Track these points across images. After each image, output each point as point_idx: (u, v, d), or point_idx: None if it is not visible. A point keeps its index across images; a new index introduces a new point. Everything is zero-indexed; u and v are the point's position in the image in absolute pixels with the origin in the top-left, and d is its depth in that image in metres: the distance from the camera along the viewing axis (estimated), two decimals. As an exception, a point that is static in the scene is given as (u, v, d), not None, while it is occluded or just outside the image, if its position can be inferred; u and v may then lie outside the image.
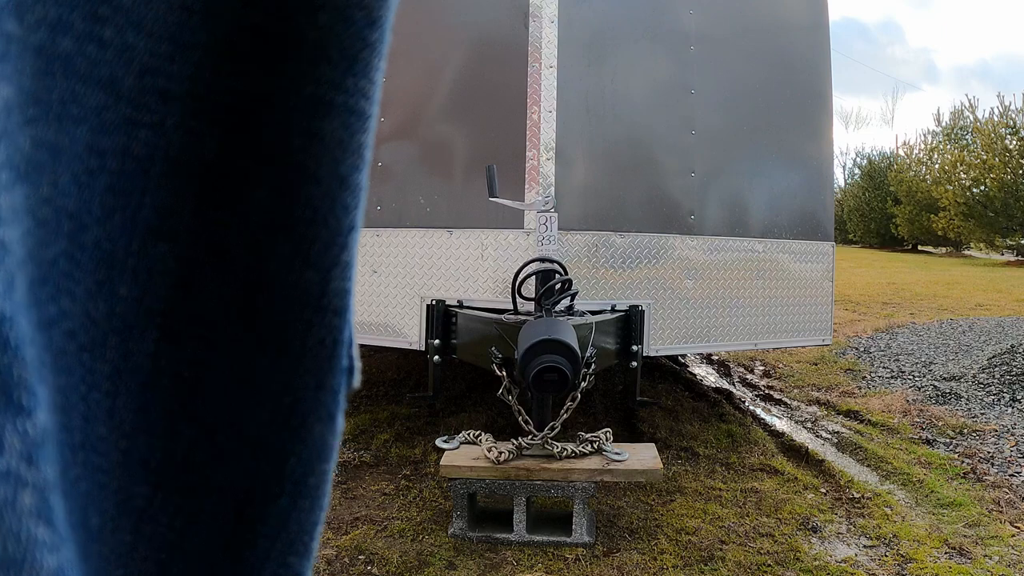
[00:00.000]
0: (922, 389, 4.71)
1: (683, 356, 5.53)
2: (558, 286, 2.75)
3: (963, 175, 20.28)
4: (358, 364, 0.24)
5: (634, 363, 3.06)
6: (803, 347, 5.36)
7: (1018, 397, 4.37)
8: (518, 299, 2.78)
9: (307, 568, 0.24)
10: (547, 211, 2.90)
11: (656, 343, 3.29)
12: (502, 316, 2.76)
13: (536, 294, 2.76)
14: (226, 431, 0.22)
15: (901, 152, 26.03)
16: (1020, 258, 19.56)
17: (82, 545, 0.19)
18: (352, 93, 0.22)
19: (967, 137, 22.91)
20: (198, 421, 0.21)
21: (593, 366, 2.64)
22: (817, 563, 2.48)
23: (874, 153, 32.23)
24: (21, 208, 0.18)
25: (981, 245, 21.64)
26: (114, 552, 0.21)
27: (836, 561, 2.51)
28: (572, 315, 2.83)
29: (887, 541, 2.67)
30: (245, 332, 0.22)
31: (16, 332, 0.16)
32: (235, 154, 0.21)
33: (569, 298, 2.82)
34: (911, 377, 5.09)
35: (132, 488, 0.21)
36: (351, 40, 0.21)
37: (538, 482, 2.58)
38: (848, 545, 2.65)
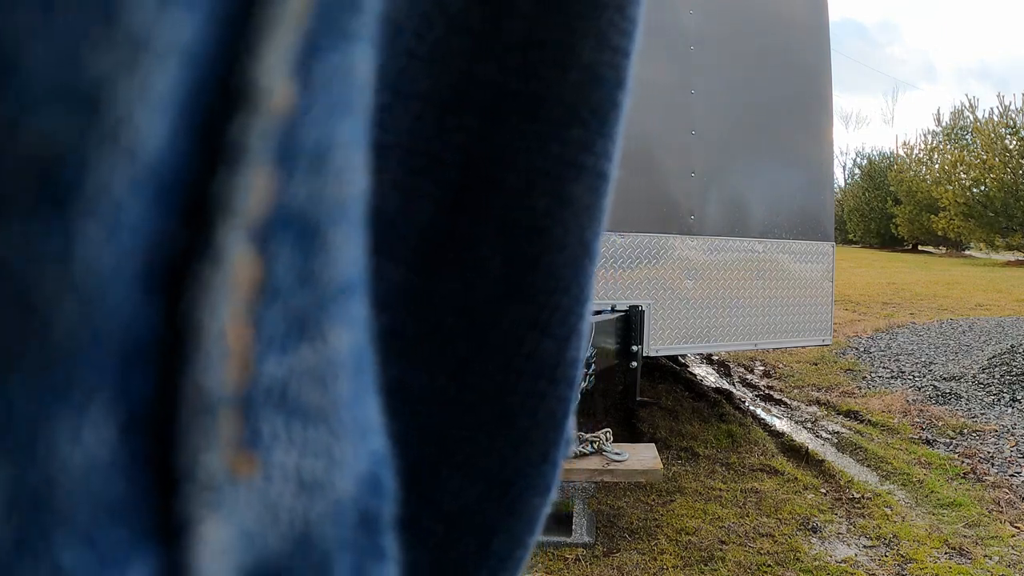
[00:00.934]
0: (922, 389, 4.71)
1: (683, 356, 5.54)
2: (558, 286, 2.75)
3: (963, 175, 20.29)
4: (574, 433, 0.23)
5: (634, 363, 3.06)
6: (803, 347, 5.36)
7: (1018, 397, 4.37)
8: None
9: None
10: (547, 211, 2.90)
11: (656, 343, 3.29)
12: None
13: (536, 294, 2.75)
14: (442, 507, 0.20)
15: (901, 152, 26.05)
16: (1020, 258, 19.57)
17: None
18: (600, 155, 0.21)
19: (967, 137, 22.92)
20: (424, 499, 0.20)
21: (593, 366, 2.64)
22: (817, 563, 2.48)
23: (874, 153, 32.26)
24: None
25: (981, 245, 21.65)
26: None
27: (836, 561, 2.51)
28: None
29: (887, 541, 2.67)
30: (479, 404, 0.20)
31: (388, 470, 0.14)
32: (464, 217, 0.19)
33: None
34: (911, 377, 5.09)
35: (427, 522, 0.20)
36: (601, 100, 0.20)
37: (538, 482, 2.58)
38: (848, 545, 2.65)
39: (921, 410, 4.26)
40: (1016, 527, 2.78)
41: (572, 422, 0.22)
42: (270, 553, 0.11)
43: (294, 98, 0.10)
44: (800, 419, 4.26)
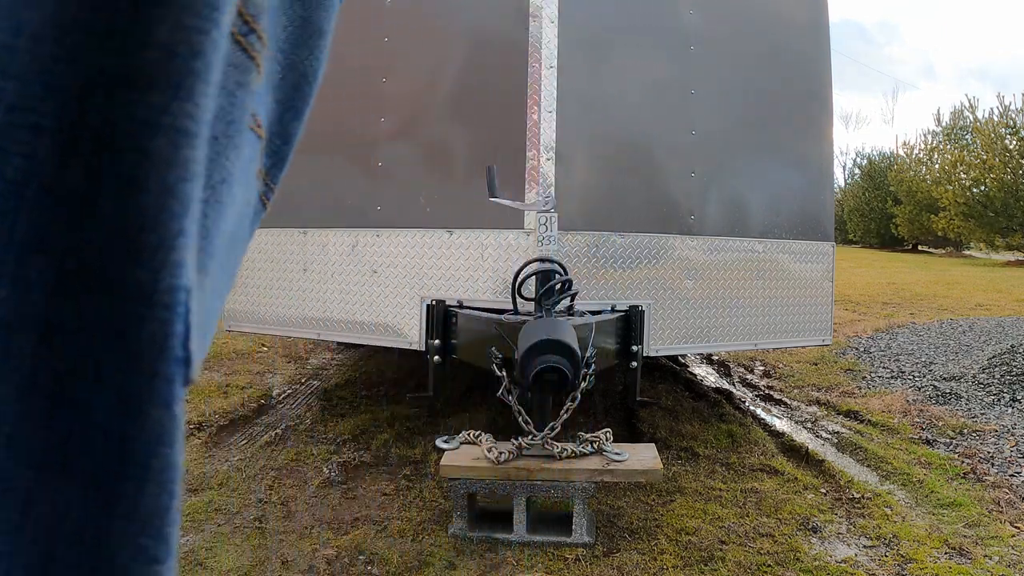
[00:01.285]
0: (922, 389, 4.71)
1: (683, 356, 5.53)
2: (558, 286, 2.75)
3: (963, 175, 20.28)
4: (197, 356, 0.28)
5: (634, 363, 3.06)
6: (803, 347, 5.36)
7: (1018, 397, 4.37)
8: (518, 299, 2.78)
9: (164, 552, 0.27)
10: (547, 211, 2.90)
11: (656, 343, 3.29)
12: (502, 316, 2.76)
13: (536, 294, 2.76)
14: (84, 418, 0.25)
15: (901, 152, 26.04)
16: (1020, 258, 19.55)
17: None
18: (177, 114, 0.26)
19: (967, 137, 22.91)
20: (69, 410, 0.25)
21: (593, 366, 2.64)
22: (817, 563, 2.48)
23: (874, 153, 32.23)
24: None
25: (981, 245, 21.64)
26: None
27: (836, 561, 2.51)
28: (572, 315, 2.83)
29: (887, 541, 2.67)
30: (101, 331, 0.25)
31: None
32: (93, 177, 0.25)
33: (569, 298, 2.82)
34: (911, 377, 5.09)
35: (17, 471, 0.24)
36: (176, 70, 0.25)
37: (538, 482, 2.58)
38: (848, 545, 2.65)
39: (921, 410, 4.26)
40: (1016, 527, 2.78)
41: (192, 345, 0.27)
42: None
43: None
44: (800, 419, 4.25)
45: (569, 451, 2.64)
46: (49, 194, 0.24)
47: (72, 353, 0.25)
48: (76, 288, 0.25)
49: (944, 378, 4.90)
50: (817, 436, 3.93)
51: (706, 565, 2.46)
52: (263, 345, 5.71)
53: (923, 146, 24.73)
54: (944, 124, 24.80)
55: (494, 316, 2.80)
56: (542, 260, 2.81)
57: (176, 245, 0.26)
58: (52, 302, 0.24)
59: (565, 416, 2.65)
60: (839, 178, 33.38)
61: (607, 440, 2.70)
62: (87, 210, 0.25)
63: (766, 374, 5.41)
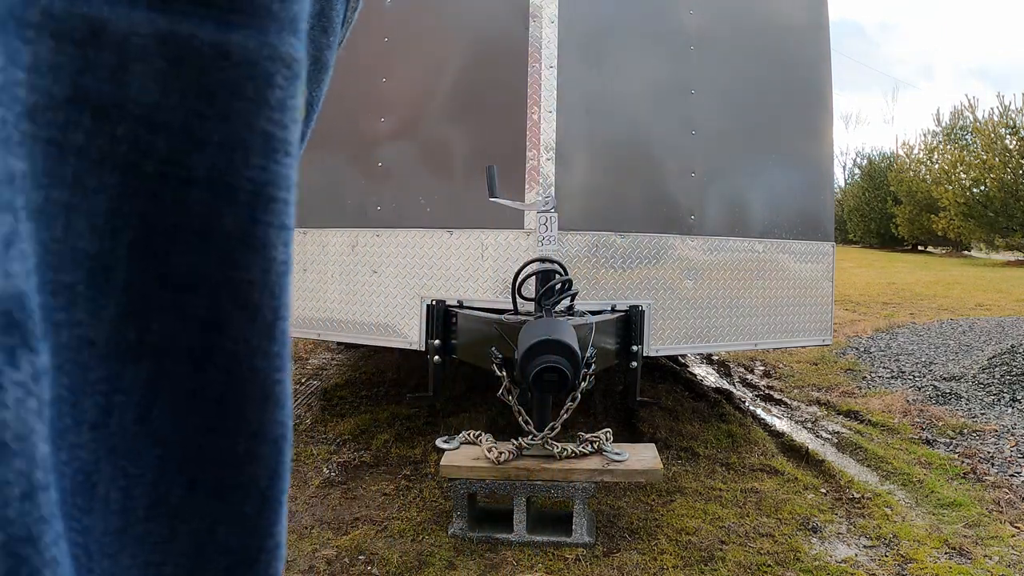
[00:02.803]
0: (922, 389, 4.71)
1: (683, 356, 5.53)
2: (558, 286, 2.75)
3: (963, 175, 20.28)
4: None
5: (634, 363, 3.06)
6: (803, 347, 5.36)
7: (1018, 397, 4.37)
8: (518, 299, 2.78)
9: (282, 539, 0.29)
10: (547, 211, 2.90)
11: (656, 343, 3.29)
12: (502, 316, 2.76)
13: (536, 294, 2.76)
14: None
15: (901, 152, 26.04)
16: (1020, 258, 19.56)
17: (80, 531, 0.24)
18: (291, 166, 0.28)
19: (967, 137, 22.91)
20: (225, 437, 0.26)
21: (593, 366, 2.64)
22: (817, 563, 2.48)
23: (874, 153, 32.23)
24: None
25: (981, 245, 21.64)
26: (142, 546, 0.25)
27: (836, 561, 2.51)
28: (572, 315, 2.83)
29: (887, 541, 2.67)
30: (255, 353, 0.27)
31: (32, 304, 0.21)
32: (252, 225, 0.26)
33: (569, 298, 2.82)
34: (911, 377, 5.09)
35: (167, 487, 0.26)
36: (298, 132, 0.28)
37: (538, 482, 2.58)
38: (848, 545, 2.65)
39: (921, 410, 4.25)
40: (1016, 527, 2.78)
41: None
42: None
43: None
44: (800, 419, 4.25)
45: (569, 451, 2.64)
46: (202, 238, 0.25)
47: (218, 381, 0.26)
48: (223, 323, 0.26)
49: (944, 378, 4.90)
50: (817, 436, 3.93)
51: (706, 565, 2.46)
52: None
53: (923, 146, 24.73)
54: (944, 124, 24.80)
55: (494, 316, 2.80)
56: (542, 260, 2.81)
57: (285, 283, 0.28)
58: (203, 336, 0.25)
59: (565, 416, 2.65)
60: (839, 178, 33.40)
61: (607, 440, 2.70)
62: (241, 253, 0.26)
63: (766, 374, 5.41)
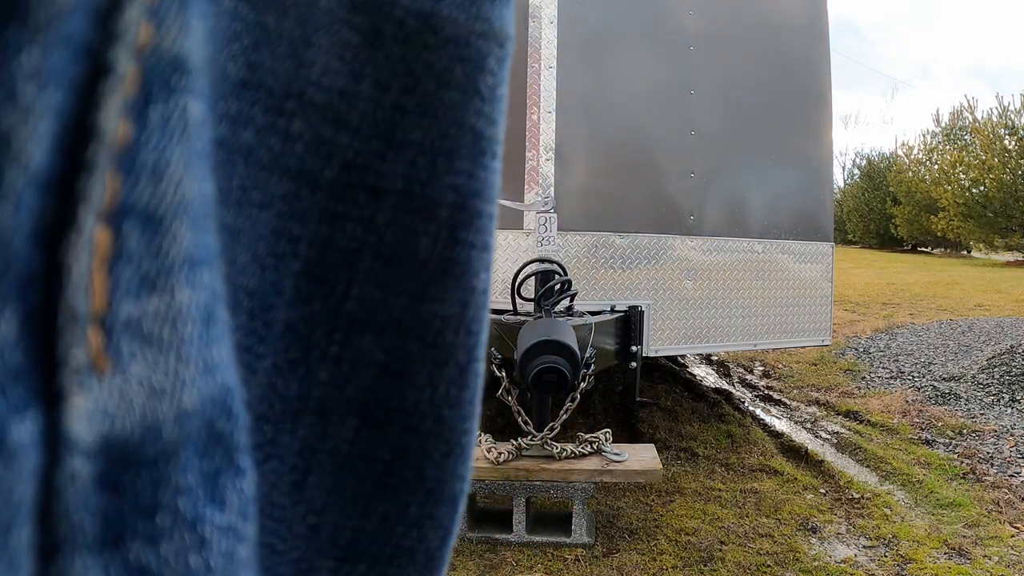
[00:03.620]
0: (921, 389, 4.72)
1: (682, 357, 5.54)
2: (557, 287, 2.75)
3: (962, 175, 20.29)
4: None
5: (633, 364, 3.06)
6: (802, 347, 5.36)
7: (1017, 397, 4.37)
8: (517, 300, 2.77)
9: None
10: (547, 211, 2.90)
11: (656, 343, 3.29)
12: (501, 317, 2.76)
13: (535, 295, 2.76)
14: (401, 504, 0.23)
15: (900, 152, 26.05)
16: (1020, 258, 19.57)
17: None
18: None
19: (966, 137, 22.92)
20: (393, 499, 0.22)
21: (592, 367, 2.64)
22: (817, 563, 2.48)
23: (873, 153, 32.26)
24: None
25: (980, 245, 21.65)
26: None
27: (836, 561, 2.51)
28: (571, 316, 2.83)
29: (887, 541, 2.67)
30: (426, 414, 0.22)
31: (238, 402, 0.17)
32: (452, 248, 0.21)
33: (568, 299, 2.82)
34: (910, 377, 5.09)
35: (317, 561, 0.22)
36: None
37: (538, 483, 2.58)
38: (848, 545, 2.65)
39: (921, 410, 4.26)
40: (1016, 527, 2.78)
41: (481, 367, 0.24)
42: (123, 431, 0.15)
43: (131, 132, 0.15)
44: (799, 419, 4.26)
45: (568, 451, 2.63)
46: (389, 265, 0.21)
47: (395, 436, 0.22)
48: (405, 369, 0.21)
49: (944, 378, 4.91)
50: (816, 436, 3.93)
51: (706, 565, 2.46)
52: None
53: (922, 146, 24.75)
54: (943, 124, 24.81)
55: (493, 316, 2.80)
56: (541, 260, 2.81)
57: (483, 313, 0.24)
58: (380, 384, 0.21)
59: (564, 416, 2.65)
60: (838, 178, 33.39)
61: (606, 440, 2.70)
62: (444, 286, 0.21)
63: (765, 374, 5.41)
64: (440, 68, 0.20)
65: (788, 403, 4.60)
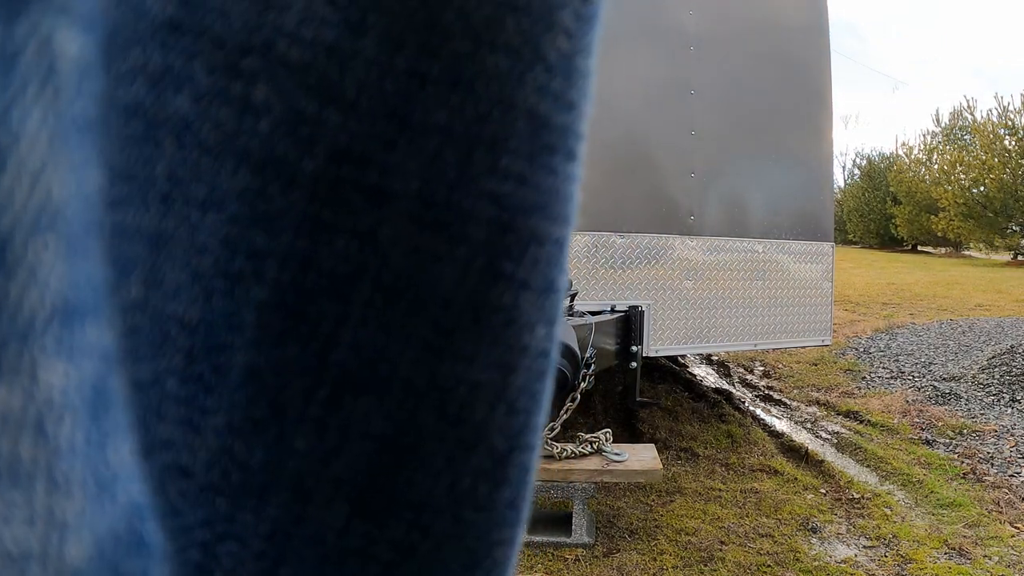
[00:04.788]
0: (922, 389, 4.71)
1: (683, 357, 5.53)
2: (558, 286, 2.74)
3: (962, 176, 20.29)
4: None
5: (634, 364, 3.06)
6: (803, 347, 5.36)
7: (1018, 397, 4.37)
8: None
9: None
10: (547, 211, 2.90)
11: (656, 344, 3.29)
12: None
13: (536, 294, 2.75)
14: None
15: (900, 152, 26.06)
16: (1020, 258, 19.57)
17: None
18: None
19: (966, 137, 22.92)
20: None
21: (593, 367, 2.64)
22: (817, 563, 2.48)
23: (874, 153, 32.27)
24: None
25: (980, 246, 21.65)
26: None
27: (836, 561, 2.51)
28: (572, 316, 2.83)
29: (887, 541, 2.67)
30: (459, 509, 0.16)
31: (150, 522, 0.12)
32: (489, 284, 0.15)
33: (568, 298, 2.82)
34: (911, 377, 5.09)
35: None
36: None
37: (538, 482, 2.57)
38: (848, 545, 2.65)
39: (921, 410, 4.26)
40: (1016, 527, 2.78)
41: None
42: None
43: None
44: (800, 419, 4.26)
45: (569, 451, 2.63)
46: (395, 300, 0.15)
47: (399, 534, 0.16)
48: (415, 448, 0.16)
49: (944, 378, 4.91)
50: (817, 436, 3.93)
51: (706, 565, 2.46)
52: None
53: (922, 146, 24.76)
54: (943, 124, 24.81)
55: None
56: (542, 260, 2.81)
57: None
58: (379, 464, 0.16)
59: (565, 416, 2.65)
60: (839, 178, 33.40)
61: (607, 440, 2.70)
62: (464, 333, 0.15)
63: (766, 374, 5.41)
64: (481, 18, 0.14)
65: (788, 403, 4.60)
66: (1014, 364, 4.88)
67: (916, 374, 5.17)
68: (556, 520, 2.69)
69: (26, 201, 0.09)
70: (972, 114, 22.17)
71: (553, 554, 2.52)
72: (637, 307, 3.15)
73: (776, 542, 2.63)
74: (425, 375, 0.15)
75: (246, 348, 0.14)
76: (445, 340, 0.15)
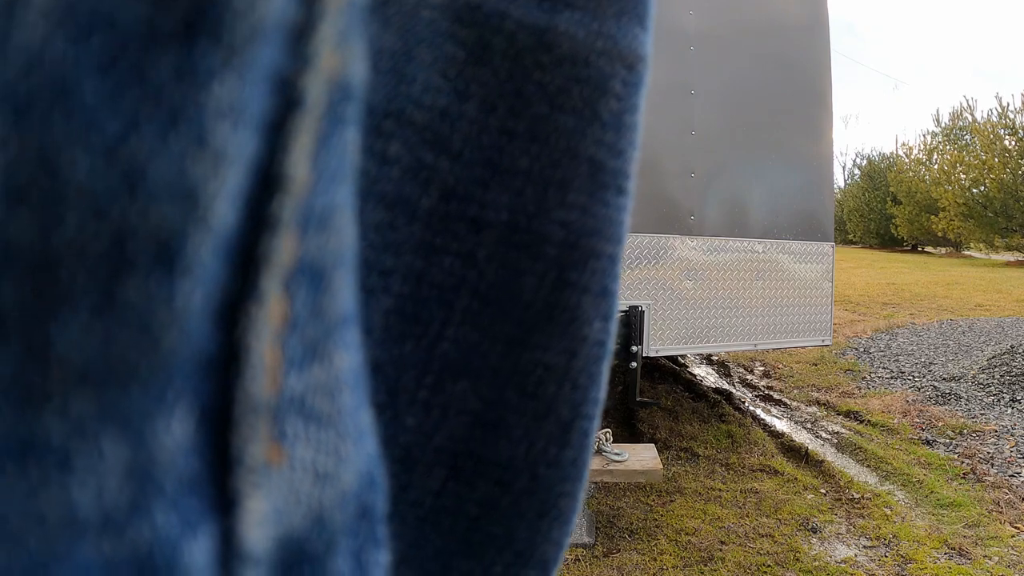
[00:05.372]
0: (922, 390, 4.71)
1: (683, 357, 5.53)
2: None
3: (962, 176, 20.29)
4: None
5: (634, 363, 3.06)
6: (803, 347, 5.36)
7: (1018, 397, 4.37)
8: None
9: None
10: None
11: (656, 343, 3.29)
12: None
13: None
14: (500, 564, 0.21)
15: (901, 152, 26.07)
16: (1020, 258, 19.57)
17: None
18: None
19: (966, 137, 22.92)
20: (478, 558, 0.20)
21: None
22: (817, 563, 2.48)
23: (874, 153, 32.27)
24: None
25: (980, 246, 21.65)
26: None
27: (836, 561, 2.51)
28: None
29: (887, 542, 2.67)
30: (518, 467, 0.20)
31: (380, 469, 0.16)
32: (560, 291, 0.19)
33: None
34: (911, 378, 5.09)
35: None
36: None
37: (538, 482, 2.58)
38: (848, 546, 2.65)
39: (921, 410, 4.26)
40: (1016, 527, 2.78)
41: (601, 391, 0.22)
42: (294, 529, 0.13)
43: (310, 179, 0.13)
44: (800, 419, 4.26)
45: (569, 451, 2.63)
46: (489, 306, 0.19)
47: (485, 491, 0.20)
48: (500, 420, 0.19)
49: (944, 378, 4.91)
50: (817, 436, 3.93)
51: (706, 565, 2.46)
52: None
53: (922, 146, 24.76)
54: (943, 124, 24.81)
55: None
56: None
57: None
58: (471, 435, 0.19)
59: (565, 416, 2.65)
60: (839, 178, 33.42)
61: (607, 440, 2.70)
62: (549, 332, 0.19)
63: (766, 374, 5.41)
64: (554, 89, 0.18)
65: (788, 403, 4.60)
66: (1014, 364, 4.88)
67: (916, 374, 5.17)
68: (556, 520, 2.69)
69: (336, 245, 0.13)
70: (972, 114, 22.17)
71: (553, 554, 2.52)
72: (637, 307, 3.15)
73: (776, 542, 2.63)
74: (511, 362, 0.19)
75: (374, 346, 0.18)
76: (526, 334, 0.19)
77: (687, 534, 2.67)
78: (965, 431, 3.90)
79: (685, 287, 3.39)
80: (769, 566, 2.46)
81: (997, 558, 2.53)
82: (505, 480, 0.20)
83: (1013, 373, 4.74)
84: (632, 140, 0.20)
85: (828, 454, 3.63)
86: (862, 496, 3.07)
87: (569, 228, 0.19)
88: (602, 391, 0.21)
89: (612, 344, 0.21)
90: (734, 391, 4.85)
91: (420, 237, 0.18)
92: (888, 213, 25.31)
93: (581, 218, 0.19)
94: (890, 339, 6.48)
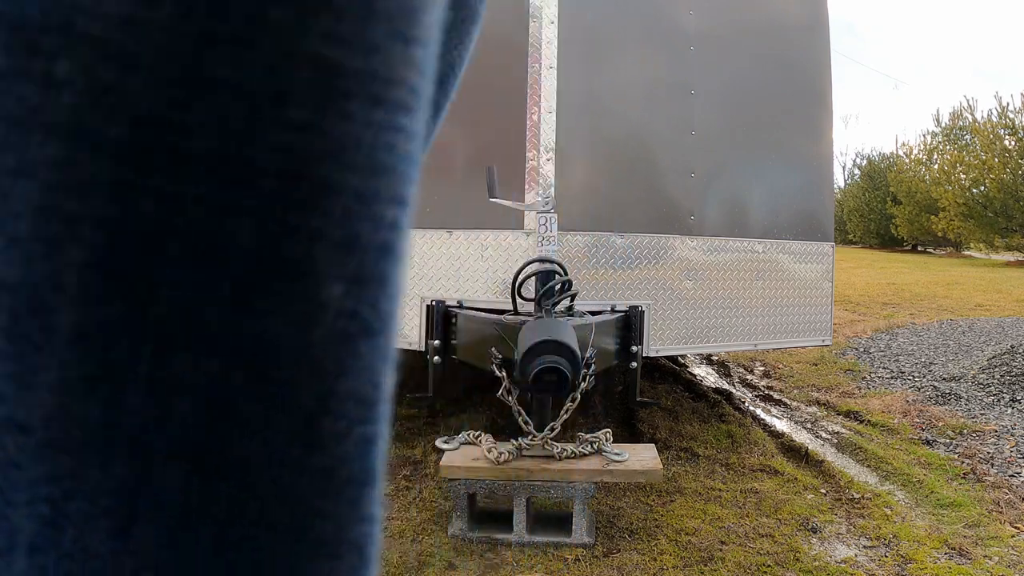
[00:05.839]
0: (922, 390, 4.71)
1: (683, 357, 5.53)
2: (558, 287, 2.74)
3: (962, 176, 20.29)
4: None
5: (634, 364, 3.06)
6: (803, 348, 5.36)
7: (1018, 397, 4.37)
8: (518, 299, 2.77)
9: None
10: (547, 212, 2.90)
11: (656, 344, 3.29)
12: (502, 317, 2.75)
13: (536, 295, 2.75)
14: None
15: (901, 152, 26.06)
16: (1020, 258, 19.56)
17: None
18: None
19: (966, 137, 22.92)
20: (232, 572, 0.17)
21: (593, 367, 2.64)
22: (817, 564, 2.48)
23: (874, 153, 32.27)
24: None
25: (980, 246, 21.65)
26: None
27: (836, 562, 2.51)
28: (572, 316, 2.83)
29: (887, 542, 2.67)
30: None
31: None
32: (280, 237, 0.15)
33: (569, 299, 2.82)
34: (911, 377, 5.09)
35: None
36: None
37: (538, 483, 2.58)
38: (848, 546, 2.65)
39: (921, 410, 4.25)
40: (1016, 527, 2.78)
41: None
42: None
43: None
44: (800, 419, 4.25)
45: (569, 451, 2.63)
46: (199, 258, 0.16)
47: (229, 493, 0.17)
48: (230, 405, 0.16)
49: (944, 378, 4.90)
50: (817, 436, 3.93)
51: (706, 565, 2.46)
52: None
53: (922, 146, 24.76)
54: (943, 124, 24.81)
55: (494, 316, 2.80)
56: (542, 260, 2.81)
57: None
58: (205, 422, 0.16)
59: (565, 416, 2.65)
60: (839, 178, 33.42)
61: (607, 440, 2.70)
62: (260, 288, 0.16)
63: (766, 374, 5.41)
64: None
65: (788, 403, 4.60)
66: (1014, 364, 4.88)
67: (916, 374, 5.17)
68: (556, 520, 2.69)
69: None
70: (972, 114, 22.17)
71: (553, 554, 2.52)
72: (637, 307, 3.15)
73: (776, 542, 2.63)
74: (231, 331, 0.16)
75: (71, 307, 0.15)
76: (245, 295, 0.15)
77: (687, 534, 2.67)
78: (965, 431, 3.90)
79: (685, 287, 3.39)
80: (769, 566, 2.46)
81: (997, 558, 2.53)
82: (248, 482, 0.16)
83: (1013, 373, 4.74)
84: (399, 31, 0.15)
85: (828, 454, 3.63)
86: (862, 496, 3.07)
87: (289, 153, 0.15)
88: (370, 388, 0.17)
89: (383, 325, 0.16)
90: (734, 391, 4.85)
91: (112, 176, 0.15)
92: (888, 213, 25.30)
93: (304, 138, 0.15)
94: (890, 339, 6.48)
